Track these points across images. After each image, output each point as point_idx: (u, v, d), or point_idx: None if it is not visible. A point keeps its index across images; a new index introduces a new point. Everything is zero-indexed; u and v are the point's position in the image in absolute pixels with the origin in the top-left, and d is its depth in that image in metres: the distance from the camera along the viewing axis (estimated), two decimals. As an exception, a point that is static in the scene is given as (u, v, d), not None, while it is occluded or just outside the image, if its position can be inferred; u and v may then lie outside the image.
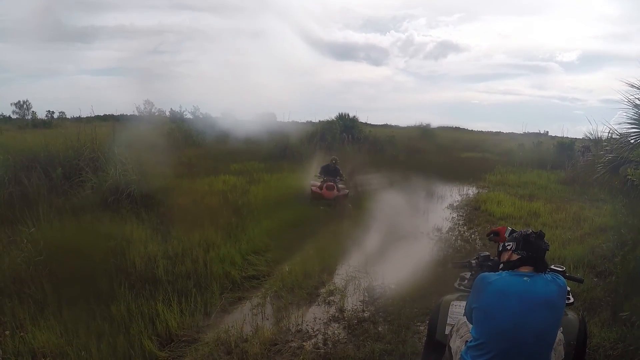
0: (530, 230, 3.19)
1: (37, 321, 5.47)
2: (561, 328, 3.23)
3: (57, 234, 8.23)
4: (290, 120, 30.59)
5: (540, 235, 3.13)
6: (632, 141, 8.36)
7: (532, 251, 3.04)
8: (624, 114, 8.40)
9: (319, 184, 13.17)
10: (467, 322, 3.28)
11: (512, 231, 3.34)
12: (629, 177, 6.98)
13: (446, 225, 11.57)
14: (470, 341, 3.02)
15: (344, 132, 25.22)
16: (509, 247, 3.18)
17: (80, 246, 7.68)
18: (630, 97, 8.26)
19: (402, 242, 9.62)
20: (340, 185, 13.30)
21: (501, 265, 3.24)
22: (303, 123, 31.58)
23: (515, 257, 3.10)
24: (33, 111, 45.99)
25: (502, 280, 2.94)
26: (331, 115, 27.74)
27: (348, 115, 27.24)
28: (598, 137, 17.52)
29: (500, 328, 2.83)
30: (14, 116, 43.69)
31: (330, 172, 13.57)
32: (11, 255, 7.24)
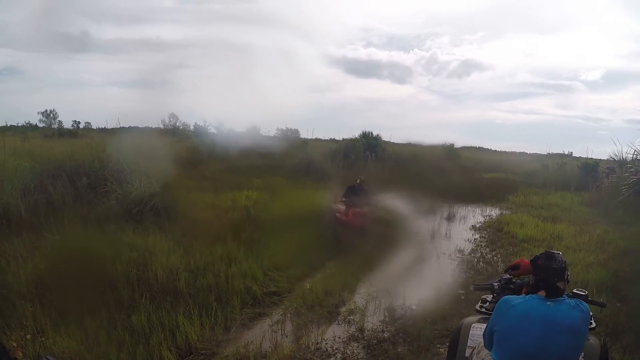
0: (542, 254, 3.15)
1: (58, 327, 5.52)
2: (582, 353, 3.18)
3: (81, 242, 8.30)
4: (313, 137, 30.60)
5: (548, 256, 3.07)
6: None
7: (542, 274, 3.01)
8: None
9: (343, 207, 11.68)
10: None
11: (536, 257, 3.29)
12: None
13: (468, 246, 11.47)
14: None
15: (367, 151, 25.14)
16: (532, 272, 3.15)
17: (104, 255, 7.74)
18: None
19: (424, 263, 9.58)
20: (367, 209, 11.83)
21: (524, 288, 3.22)
22: (326, 140, 31.62)
23: (532, 280, 3.09)
24: (59, 120, 46.62)
25: (525, 304, 2.91)
26: (355, 133, 27.66)
27: (371, 133, 27.13)
28: (623, 158, 17.35)
29: (522, 352, 2.79)
30: (40, 125, 44.25)
31: (356, 193, 12.16)
32: (35, 261, 7.32)
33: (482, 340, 3.31)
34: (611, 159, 19.54)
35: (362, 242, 10.42)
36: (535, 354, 2.76)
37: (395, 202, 13.24)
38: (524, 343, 2.80)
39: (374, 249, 9.92)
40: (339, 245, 10.22)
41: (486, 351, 3.28)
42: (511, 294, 3.53)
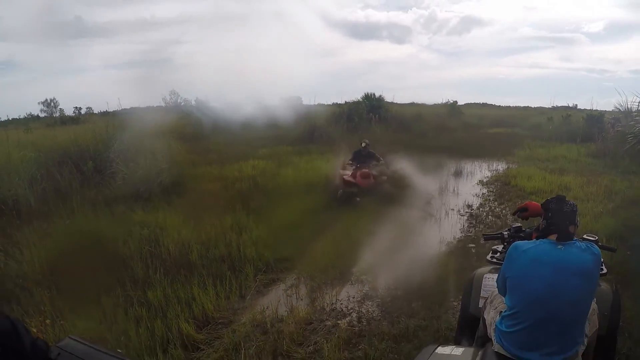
0: (554, 197, 3.15)
1: (76, 309, 5.59)
2: (595, 299, 3.19)
3: (92, 225, 8.37)
4: (316, 103, 30.42)
5: (559, 199, 3.08)
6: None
7: (553, 218, 3.00)
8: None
9: (350, 172, 11.52)
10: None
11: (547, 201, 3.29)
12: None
13: (477, 201, 11.49)
14: (505, 311, 2.99)
15: (370, 112, 24.97)
16: (542, 216, 3.15)
17: (115, 235, 7.81)
18: None
19: (434, 220, 9.62)
20: (375, 172, 11.55)
21: (534, 234, 3.22)
22: (329, 105, 31.44)
23: (542, 225, 3.08)
24: (61, 108, 46.46)
25: (536, 249, 2.90)
26: (357, 95, 27.46)
27: (374, 95, 26.94)
28: (628, 109, 17.20)
29: (535, 296, 2.79)
30: (42, 115, 44.22)
31: (363, 157, 12.00)
32: (47, 248, 7.39)
33: (495, 289, 3.33)
34: (616, 110, 19.35)
35: (371, 201, 10.41)
36: (548, 297, 2.76)
37: (401, 162, 13.21)
38: (537, 287, 2.79)
39: (383, 208, 9.94)
40: (348, 206, 10.24)
41: (499, 299, 3.30)
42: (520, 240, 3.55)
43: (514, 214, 3.93)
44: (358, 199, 10.81)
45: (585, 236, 3.68)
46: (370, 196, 10.70)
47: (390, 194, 10.98)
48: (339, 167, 12.13)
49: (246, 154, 15.91)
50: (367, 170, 11.35)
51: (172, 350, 4.90)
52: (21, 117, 34.65)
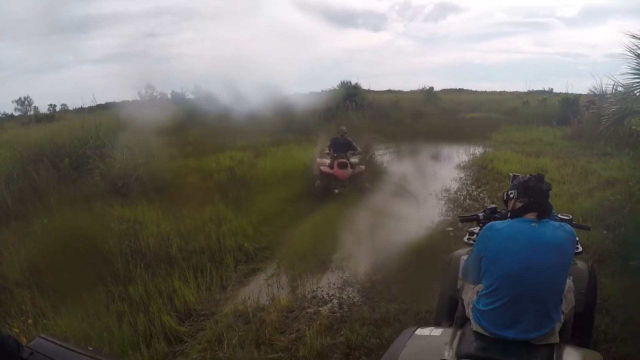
0: (528, 175, 3.20)
1: (57, 308, 5.60)
2: (571, 277, 3.25)
3: (70, 222, 8.33)
4: (293, 93, 30.35)
5: (539, 178, 3.13)
6: (636, 92, 8.29)
7: (534, 196, 3.05)
8: (628, 65, 8.29)
9: (328, 161, 11.26)
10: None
11: (514, 177, 3.33)
12: (634, 127, 6.96)
13: (454, 185, 11.60)
14: (482, 290, 3.03)
15: (347, 100, 24.98)
16: (512, 196, 3.20)
17: (94, 232, 7.79)
18: (633, 48, 8.15)
19: (411, 205, 9.68)
20: (353, 160, 11.38)
21: (508, 214, 3.27)
22: (306, 94, 31.39)
23: (518, 204, 3.11)
24: (35, 106, 45.64)
25: (510, 227, 2.96)
26: (334, 84, 27.40)
27: (350, 83, 26.94)
28: (603, 91, 17.38)
29: (511, 272, 2.84)
30: (16, 113, 43.49)
31: (340, 145, 11.61)
32: (27, 247, 7.37)
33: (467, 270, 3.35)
34: (591, 93, 19.53)
35: (349, 191, 10.51)
36: (523, 273, 2.81)
37: (379, 150, 13.26)
38: (512, 264, 2.84)
39: (361, 196, 10.00)
40: (326, 195, 10.26)
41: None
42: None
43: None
44: (336, 190, 10.64)
45: (559, 215, 3.75)
46: (348, 186, 10.72)
47: (368, 183, 11.02)
48: (317, 157, 12.01)
49: (223, 146, 15.85)
50: (344, 160, 11.13)
51: (155, 344, 4.93)
52: (-6, 116, 34.10)
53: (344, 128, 12.25)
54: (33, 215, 8.61)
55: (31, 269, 6.64)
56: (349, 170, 10.97)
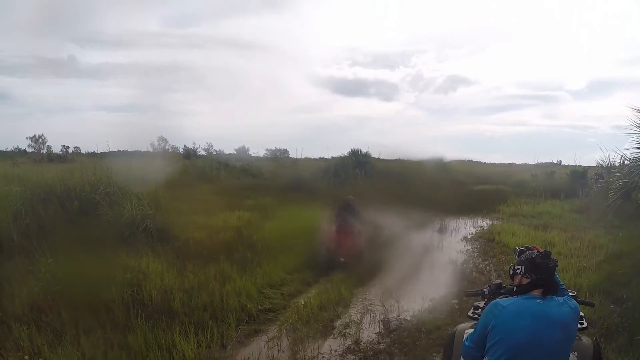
0: (536, 252, 3.19)
1: (54, 348, 5.56)
2: (575, 352, 3.23)
3: (75, 265, 8.30)
4: (303, 157, 30.62)
5: (546, 255, 3.12)
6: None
7: (540, 273, 3.05)
8: (634, 139, 8.40)
9: (334, 228, 11.17)
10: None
11: (520, 252, 3.35)
12: (640, 202, 7.00)
13: (461, 257, 11.57)
14: None
15: (357, 168, 25.19)
16: (518, 271, 3.18)
17: (97, 277, 7.76)
18: (638, 122, 8.25)
19: (417, 275, 9.63)
20: (359, 229, 11.25)
21: (514, 289, 3.25)
22: (316, 159, 31.67)
23: (525, 280, 3.11)
24: (48, 145, 46.19)
25: (515, 304, 2.96)
26: (344, 151, 27.68)
27: (360, 150, 27.23)
28: (610, 164, 17.52)
29: (517, 349, 2.83)
30: (29, 149, 43.97)
31: (347, 214, 11.48)
32: (29, 284, 7.32)
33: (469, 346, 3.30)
34: (599, 165, 19.70)
35: (355, 261, 10.29)
36: (528, 348, 2.82)
37: (387, 218, 13.26)
38: (518, 340, 2.84)
39: (368, 265, 9.94)
40: (332, 264, 10.13)
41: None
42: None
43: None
44: (342, 259, 10.36)
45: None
46: (354, 256, 10.49)
47: (375, 251, 10.95)
48: (323, 225, 11.89)
49: (232, 204, 15.88)
50: (349, 228, 11.05)
51: (151, 397, 4.85)
52: (8, 150, 34.45)
53: (351, 197, 12.24)
54: (38, 253, 8.57)
55: (31, 306, 6.63)
56: (355, 241, 10.87)
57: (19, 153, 33.46)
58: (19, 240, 9.56)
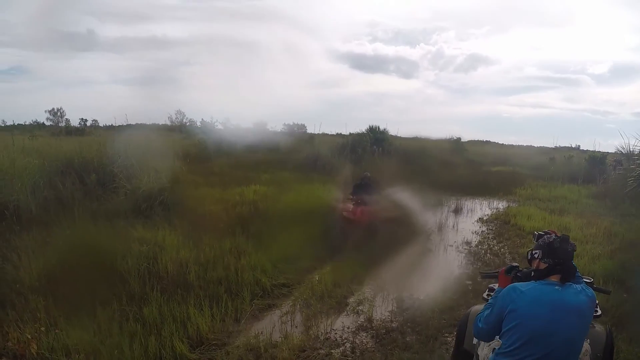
0: (554, 236, 3.15)
1: (70, 319, 5.61)
2: (588, 340, 3.23)
3: (92, 237, 8.38)
4: (320, 132, 30.51)
5: (564, 239, 3.09)
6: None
7: (558, 258, 3.02)
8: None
9: (351, 206, 11.11)
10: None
11: (539, 236, 3.29)
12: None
13: (475, 239, 11.53)
14: (499, 348, 3.01)
15: (374, 145, 25.08)
16: (536, 255, 3.14)
17: (114, 249, 7.82)
18: None
19: (432, 256, 9.63)
20: (374, 208, 11.02)
21: (533, 274, 3.22)
22: (333, 135, 31.57)
23: (543, 265, 3.07)
24: (67, 118, 46.44)
25: (534, 290, 2.93)
26: (361, 127, 27.50)
27: (378, 127, 27.01)
28: (630, 151, 17.31)
29: (532, 335, 2.83)
30: (47, 123, 44.20)
31: (363, 191, 11.44)
32: (46, 255, 7.41)
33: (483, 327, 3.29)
34: (618, 152, 19.46)
35: (371, 239, 10.18)
36: (544, 335, 2.81)
37: (403, 197, 13.21)
38: (535, 327, 2.83)
39: (382, 243, 9.91)
40: (347, 242, 9.99)
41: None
42: (517, 282, 3.58)
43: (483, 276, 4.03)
44: (357, 238, 10.10)
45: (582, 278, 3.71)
46: (369, 233, 10.45)
47: (390, 230, 10.89)
48: (340, 201, 11.79)
49: (248, 178, 15.91)
50: (367, 206, 10.94)
51: (164, 369, 4.91)
52: (27, 123, 34.67)
53: (368, 174, 12.13)
54: (55, 225, 8.66)
55: (48, 278, 6.69)
56: (371, 217, 10.73)
57: (37, 126, 33.64)
58: (37, 212, 9.67)
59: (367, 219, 10.68)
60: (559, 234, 3.17)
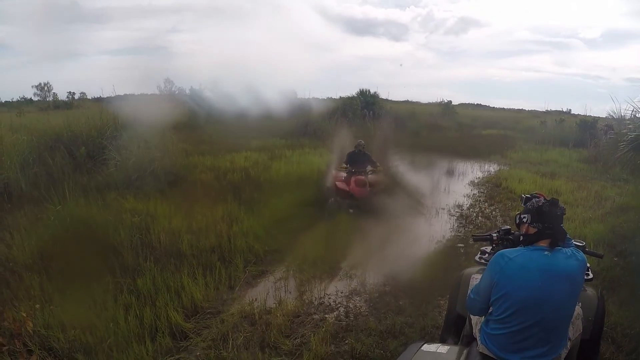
0: (542, 200, 3.13)
1: (65, 295, 5.64)
2: (580, 303, 3.23)
3: (83, 211, 8.37)
4: (310, 97, 30.31)
5: (553, 203, 3.07)
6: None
7: (548, 222, 2.99)
8: (648, 92, 8.24)
9: (344, 175, 10.52)
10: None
11: (527, 199, 3.27)
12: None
13: (467, 201, 11.58)
14: (490, 314, 3.03)
15: (364, 109, 24.93)
16: (525, 220, 3.13)
17: (106, 222, 7.82)
18: None
19: (424, 219, 9.66)
20: (372, 177, 10.52)
21: (521, 238, 3.22)
22: (323, 99, 31.32)
23: (532, 230, 3.05)
24: (54, 93, 45.81)
25: (522, 256, 2.93)
26: (352, 91, 27.32)
27: (369, 91, 26.78)
28: (621, 116, 17.27)
29: (523, 302, 2.83)
30: (35, 98, 43.66)
31: (358, 160, 10.81)
32: (38, 232, 7.41)
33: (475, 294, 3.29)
34: (610, 117, 19.42)
35: (365, 211, 9.77)
36: (535, 302, 2.81)
37: (396, 164, 13.19)
38: (525, 294, 2.83)
39: (375, 208, 9.88)
40: (340, 213, 9.71)
41: None
42: (510, 245, 3.58)
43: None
44: (351, 210, 9.81)
45: (573, 241, 3.72)
46: (363, 207, 10.01)
47: (384, 200, 10.68)
48: (332, 170, 11.32)
49: (239, 146, 15.86)
50: (362, 177, 10.35)
51: (160, 339, 4.95)
52: (14, 100, 34.19)
53: (362, 142, 11.38)
54: (46, 201, 8.62)
55: (41, 254, 6.70)
56: (367, 189, 10.22)
57: (25, 102, 33.23)
58: (28, 189, 9.64)
59: (361, 190, 10.19)
60: (547, 197, 3.16)
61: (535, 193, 3.29)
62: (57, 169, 10.58)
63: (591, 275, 3.57)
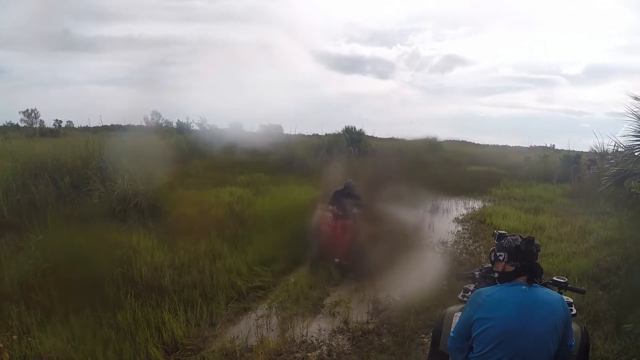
0: (520, 240, 3.15)
1: (43, 327, 5.56)
2: None
3: (65, 242, 8.28)
4: (296, 133, 30.52)
5: (529, 241, 3.10)
6: (637, 154, 8.36)
7: (525, 261, 3.03)
8: (629, 126, 8.41)
9: (330, 216, 9.50)
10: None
11: (500, 236, 3.32)
12: (633, 190, 7.01)
13: (451, 238, 11.63)
14: (472, 353, 3.01)
15: (350, 145, 25.15)
16: (501, 258, 3.15)
17: (88, 254, 7.73)
18: (635, 110, 8.27)
19: (407, 255, 9.62)
20: (355, 211, 9.58)
21: (496, 275, 3.23)
22: (309, 136, 31.55)
23: (509, 268, 3.08)
24: (41, 120, 45.77)
25: (500, 292, 2.96)
26: (338, 128, 27.67)
27: (354, 128, 27.16)
28: (604, 151, 17.52)
29: (503, 336, 2.83)
30: (21, 124, 43.57)
31: (344, 200, 9.75)
32: (19, 261, 7.30)
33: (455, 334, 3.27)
34: (593, 151, 19.73)
35: (352, 262, 8.80)
36: (514, 336, 2.82)
37: (377, 195, 13.18)
38: (503, 327, 2.84)
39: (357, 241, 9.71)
40: (325, 263, 8.83)
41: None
42: (492, 283, 3.59)
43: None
44: (337, 259, 8.74)
45: (555, 278, 3.74)
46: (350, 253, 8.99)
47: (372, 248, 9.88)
48: (316, 212, 10.32)
49: (224, 180, 15.83)
50: (348, 220, 9.33)
51: (139, 375, 4.87)
52: (0, 124, 34.17)
53: (351, 182, 10.36)
54: (28, 230, 8.53)
55: (21, 284, 6.60)
56: (353, 234, 9.15)
57: (11, 128, 33.14)
58: (10, 217, 9.52)
59: (348, 237, 9.11)
60: (523, 236, 3.18)
61: (506, 233, 3.33)
62: (40, 198, 10.48)
63: (574, 311, 3.58)
